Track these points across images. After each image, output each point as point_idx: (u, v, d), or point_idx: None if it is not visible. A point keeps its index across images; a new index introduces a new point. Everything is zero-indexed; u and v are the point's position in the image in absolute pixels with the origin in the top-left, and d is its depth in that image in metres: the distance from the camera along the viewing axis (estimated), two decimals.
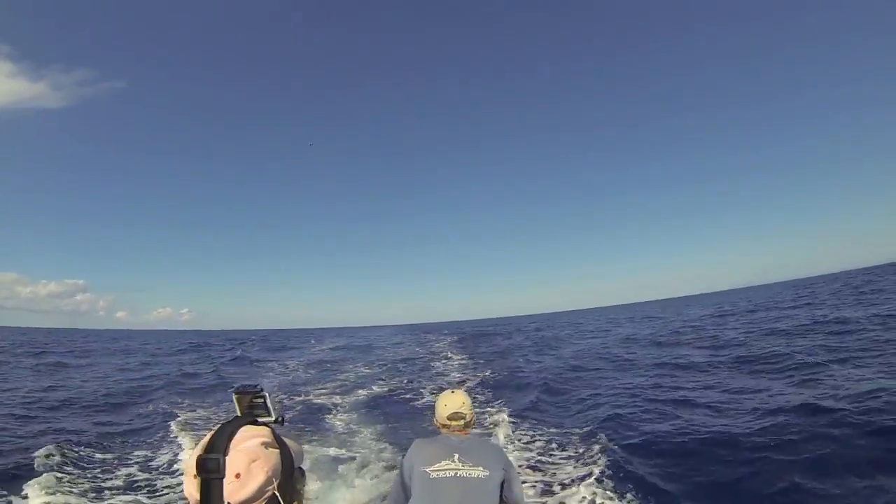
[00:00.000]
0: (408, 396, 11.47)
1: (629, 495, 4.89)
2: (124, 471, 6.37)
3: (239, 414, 1.09)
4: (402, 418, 9.16)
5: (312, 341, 37.67)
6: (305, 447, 5.96)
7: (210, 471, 0.91)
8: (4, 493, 5.36)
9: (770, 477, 5.03)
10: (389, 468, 6.02)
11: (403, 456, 2.45)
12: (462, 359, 18.57)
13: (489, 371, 14.58)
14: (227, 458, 0.92)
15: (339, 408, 10.37)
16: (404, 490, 2.33)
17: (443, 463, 2.22)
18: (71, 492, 5.47)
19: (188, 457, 0.96)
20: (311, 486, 5.39)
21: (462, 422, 2.46)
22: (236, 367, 20.47)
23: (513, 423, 8.02)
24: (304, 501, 1.10)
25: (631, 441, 6.55)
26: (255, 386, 1.15)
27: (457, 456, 2.24)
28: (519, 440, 7.25)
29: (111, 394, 12.78)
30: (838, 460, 5.11)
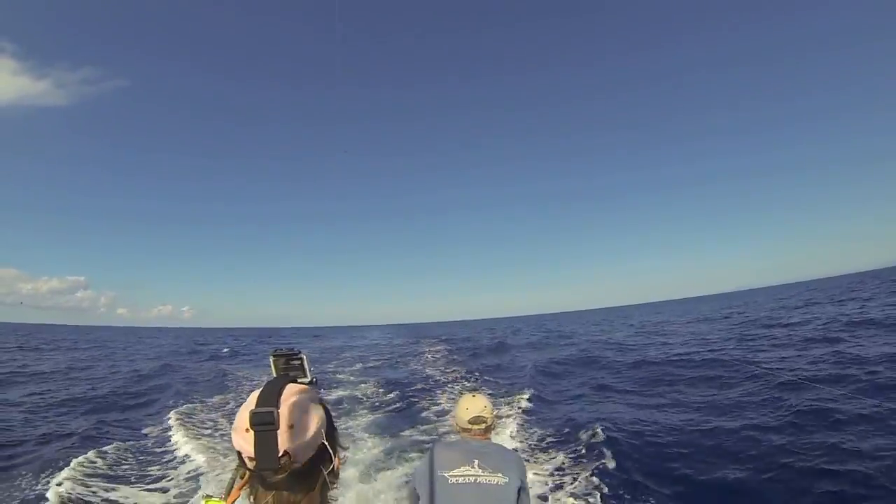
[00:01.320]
0: (414, 399, 11.30)
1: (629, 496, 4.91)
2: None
3: (275, 375, 1.15)
4: (410, 421, 8.97)
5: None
6: None
7: (265, 423, 0.94)
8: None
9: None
10: (397, 468, 5.96)
11: (421, 459, 2.42)
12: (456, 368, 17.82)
13: (487, 373, 14.51)
14: (279, 411, 0.96)
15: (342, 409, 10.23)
16: (417, 495, 2.31)
17: (463, 469, 2.19)
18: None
19: (239, 413, 0.99)
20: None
21: (483, 426, 2.44)
22: (236, 363, 20.61)
23: (519, 425, 7.95)
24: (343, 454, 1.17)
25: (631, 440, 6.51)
26: (293, 348, 1.22)
27: (477, 462, 2.21)
28: (525, 441, 7.18)
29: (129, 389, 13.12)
30: None
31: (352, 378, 15.00)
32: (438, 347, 25.60)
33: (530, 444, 6.92)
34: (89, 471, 5.95)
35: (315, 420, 1.02)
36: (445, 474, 2.18)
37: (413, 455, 6.47)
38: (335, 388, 13.20)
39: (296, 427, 0.97)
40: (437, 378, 14.52)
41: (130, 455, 6.79)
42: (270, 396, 0.99)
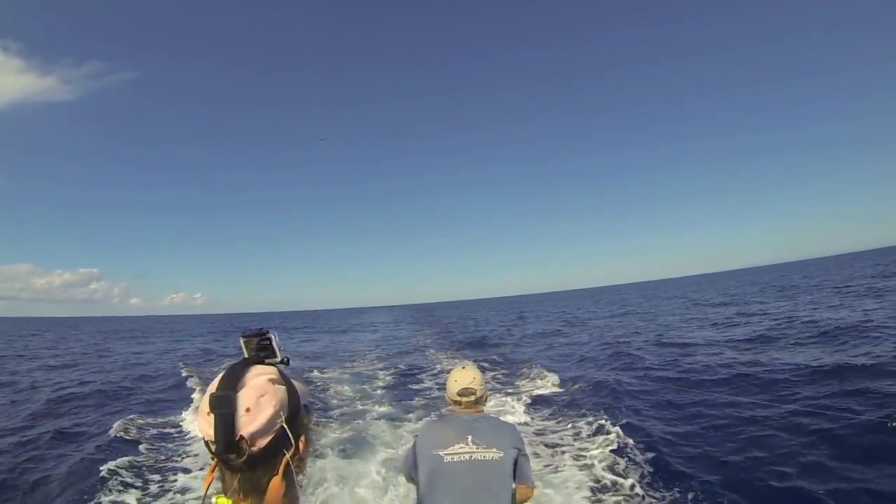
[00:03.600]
0: (411, 374, 11.43)
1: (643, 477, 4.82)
2: None
3: (247, 356, 1.14)
4: (407, 398, 9.02)
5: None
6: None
7: (222, 407, 0.95)
8: None
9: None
10: (391, 446, 5.96)
11: (416, 438, 2.38)
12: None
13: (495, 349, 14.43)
14: (237, 394, 0.97)
15: (344, 391, 10.22)
16: (412, 477, 2.30)
17: (457, 446, 2.15)
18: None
19: (199, 398, 0.88)
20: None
21: (473, 398, 2.38)
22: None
23: (528, 401, 7.95)
24: (312, 436, 1.15)
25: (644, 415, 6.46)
26: (261, 329, 1.20)
27: (470, 438, 2.18)
28: (532, 416, 7.21)
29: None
30: None
31: (358, 361, 15.15)
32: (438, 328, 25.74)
33: (549, 419, 6.95)
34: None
35: (272, 402, 0.99)
36: (440, 453, 2.14)
37: (404, 434, 6.48)
38: (337, 369, 13.37)
39: (252, 410, 0.96)
40: (440, 355, 14.67)
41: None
42: (231, 380, 0.99)
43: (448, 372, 2.57)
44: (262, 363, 1.09)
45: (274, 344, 1.16)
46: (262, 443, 0.97)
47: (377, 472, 5.23)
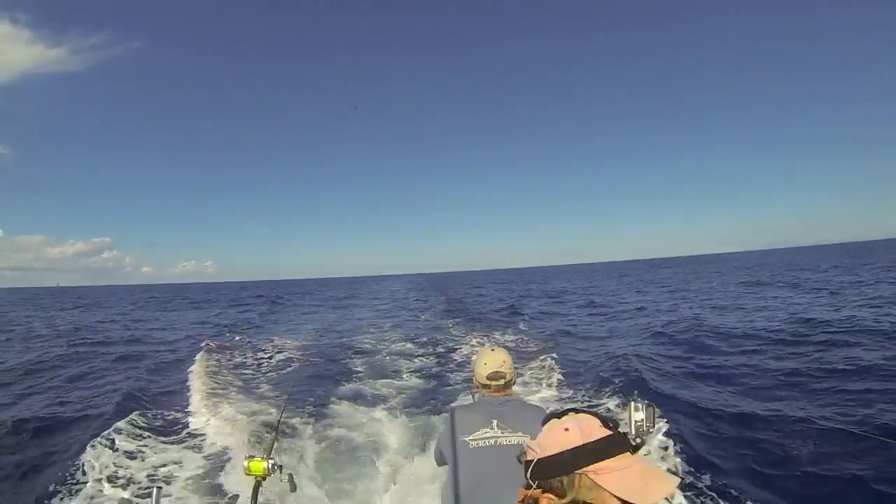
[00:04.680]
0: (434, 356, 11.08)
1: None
2: None
3: None
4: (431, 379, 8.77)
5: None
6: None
7: None
8: None
9: None
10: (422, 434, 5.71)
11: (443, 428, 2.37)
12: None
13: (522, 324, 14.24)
14: None
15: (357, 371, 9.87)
16: (443, 461, 2.29)
17: (482, 431, 2.14)
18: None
19: None
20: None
21: (502, 381, 2.33)
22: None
23: (559, 379, 7.82)
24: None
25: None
26: None
27: (495, 422, 2.17)
28: (559, 393, 7.09)
29: None
30: None
31: (371, 333, 15.04)
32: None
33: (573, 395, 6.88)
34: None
35: None
36: (466, 439, 2.12)
37: (434, 417, 6.33)
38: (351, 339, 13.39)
39: None
40: (460, 330, 14.59)
41: None
42: None
43: (475, 353, 2.51)
44: None
45: None
46: None
47: (387, 462, 5.01)
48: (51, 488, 4.53)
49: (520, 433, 2.09)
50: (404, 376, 9.09)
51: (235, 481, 4.43)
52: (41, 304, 43.20)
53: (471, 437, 2.12)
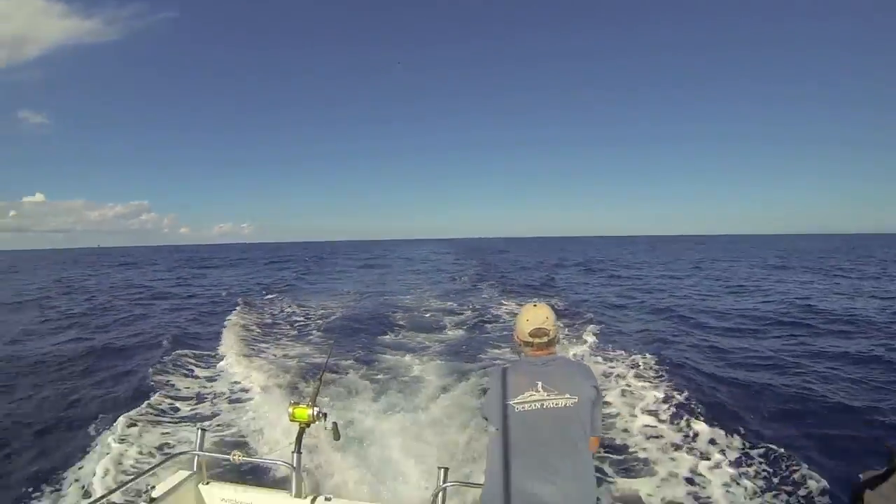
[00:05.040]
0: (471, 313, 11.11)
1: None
2: None
3: None
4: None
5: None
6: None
7: None
8: None
9: None
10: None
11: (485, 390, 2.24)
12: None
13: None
14: None
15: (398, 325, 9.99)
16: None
17: (527, 394, 2.00)
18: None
19: None
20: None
21: (546, 338, 2.16)
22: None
23: (595, 337, 7.74)
24: None
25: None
26: None
27: (540, 384, 2.02)
28: (599, 356, 6.82)
29: None
30: None
31: (412, 294, 15.23)
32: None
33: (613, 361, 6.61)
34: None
35: None
36: (511, 402, 2.01)
37: (476, 368, 6.29)
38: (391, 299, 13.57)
39: None
40: (494, 291, 14.50)
41: None
42: None
43: (517, 310, 2.37)
44: None
45: None
46: None
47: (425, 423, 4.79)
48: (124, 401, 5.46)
49: (567, 395, 1.98)
50: (447, 331, 9.26)
51: (280, 427, 4.44)
52: (88, 262, 47.08)
53: (516, 401, 2.01)
